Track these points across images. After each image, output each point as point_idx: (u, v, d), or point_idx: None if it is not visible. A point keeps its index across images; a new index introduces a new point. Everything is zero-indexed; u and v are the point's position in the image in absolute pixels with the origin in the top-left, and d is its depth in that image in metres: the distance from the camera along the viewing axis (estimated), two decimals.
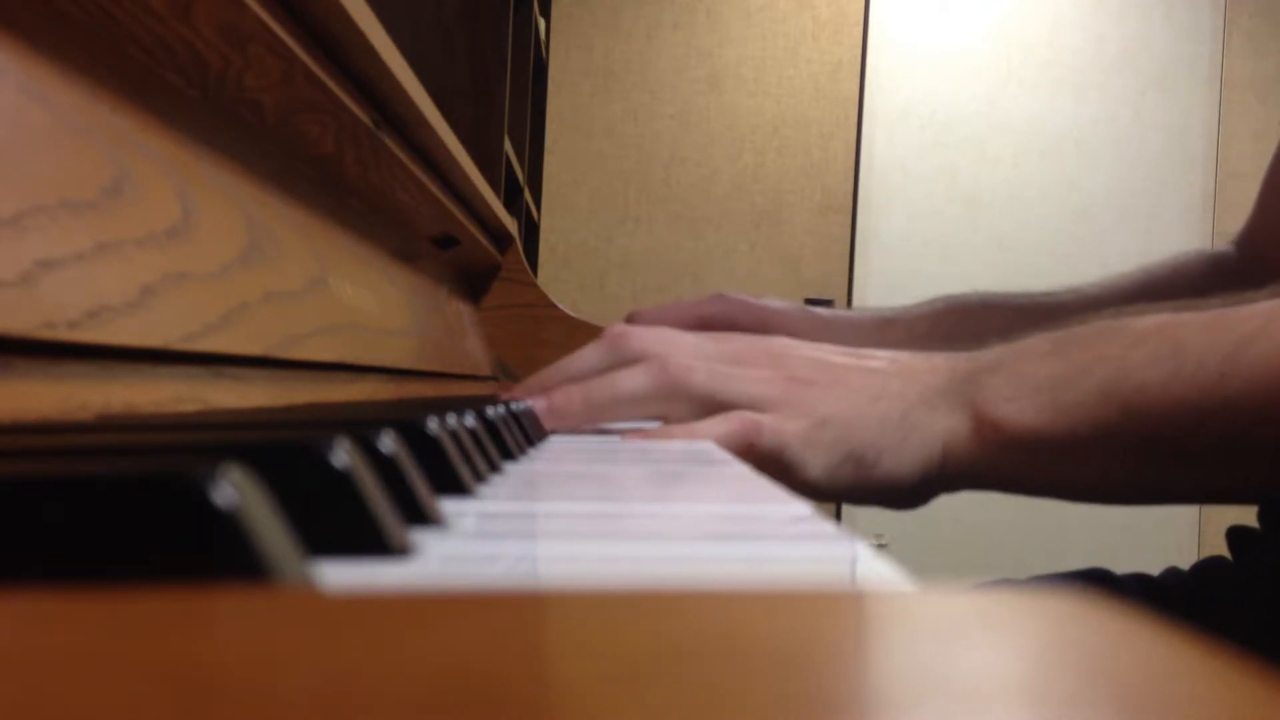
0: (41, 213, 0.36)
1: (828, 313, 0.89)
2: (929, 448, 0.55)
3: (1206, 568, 0.75)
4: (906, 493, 0.56)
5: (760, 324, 0.86)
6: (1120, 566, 0.79)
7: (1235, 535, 0.75)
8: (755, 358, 0.59)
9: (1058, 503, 0.59)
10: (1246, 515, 0.74)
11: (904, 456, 0.55)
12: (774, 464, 0.55)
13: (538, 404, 0.60)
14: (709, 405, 0.58)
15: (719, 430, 0.55)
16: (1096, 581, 0.75)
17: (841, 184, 3.03)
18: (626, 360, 0.60)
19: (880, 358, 0.59)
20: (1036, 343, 0.55)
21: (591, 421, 0.60)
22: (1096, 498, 0.57)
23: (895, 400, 0.56)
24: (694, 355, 0.60)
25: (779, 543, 0.27)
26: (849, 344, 0.64)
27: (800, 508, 0.31)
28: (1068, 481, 0.56)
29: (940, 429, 0.55)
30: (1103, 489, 0.56)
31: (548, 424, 0.60)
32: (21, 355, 0.35)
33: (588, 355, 0.62)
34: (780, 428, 0.55)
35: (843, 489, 0.56)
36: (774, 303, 0.89)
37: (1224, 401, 0.49)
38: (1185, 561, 0.80)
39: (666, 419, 0.60)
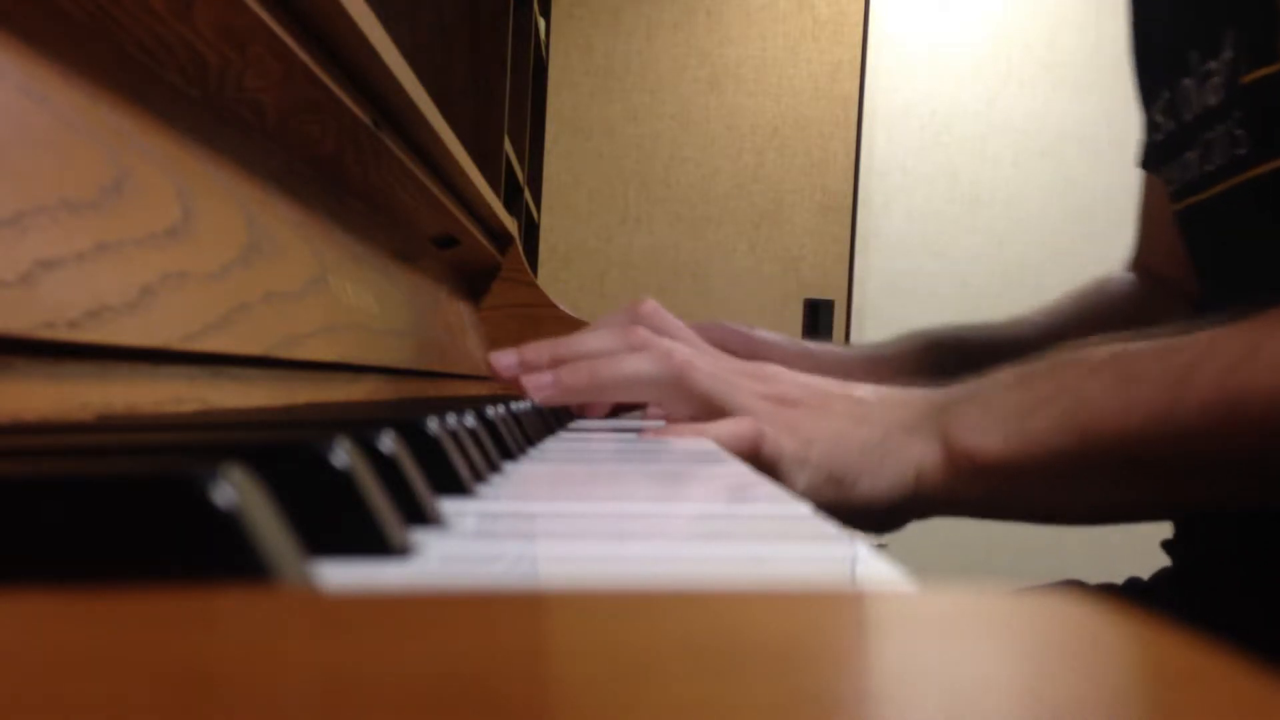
0: (41, 213, 0.36)
1: (817, 347, 0.92)
2: (903, 473, 0.57)
3: (1162, 577, 0.77)
4: (881, 515, 0.58)
5: (751, 353, 0.89)
6: (1122, 567, 0.79)
7: (1168, 546, 0.77)
8: (746, 376, 0.62)
9: None
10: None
11: (880, 480, 0.57)
12: (768, 474, 0.56)
13: (543, 378, 0.63)
14: (705, 406, 0.60)
15: (729, 431, 0.57)
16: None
17: (841, 184, 3.03)
18: (635, 348, 0.63)
19: (864, 388, 0.62)
20: (1003, 375, 0.58)
21: (594, 396, 0.64)
22: (1067, 519, 0.60)
23: (876, 426, 0.59)
24: (696, 356, 0.62)
25: (779, 543, 0.27)
26: (836, 378, 0.66)
27: (800, 508, 0.31)
28: (1037, 505, 0.58)
29: (915, 455, 0.57)
30: (1072, 511, 0.59)
31: (554, 397, 0.63)
32: (21, 355, 0.35)
33: (603, 338, 0.64)
34: (778, 440, 0.58)
35: (821, 508, 0.57)
36: (767, 335, 0.92)
37: (1176, 424, 0.52)
38: None
39: (664, 413, 0.62)
